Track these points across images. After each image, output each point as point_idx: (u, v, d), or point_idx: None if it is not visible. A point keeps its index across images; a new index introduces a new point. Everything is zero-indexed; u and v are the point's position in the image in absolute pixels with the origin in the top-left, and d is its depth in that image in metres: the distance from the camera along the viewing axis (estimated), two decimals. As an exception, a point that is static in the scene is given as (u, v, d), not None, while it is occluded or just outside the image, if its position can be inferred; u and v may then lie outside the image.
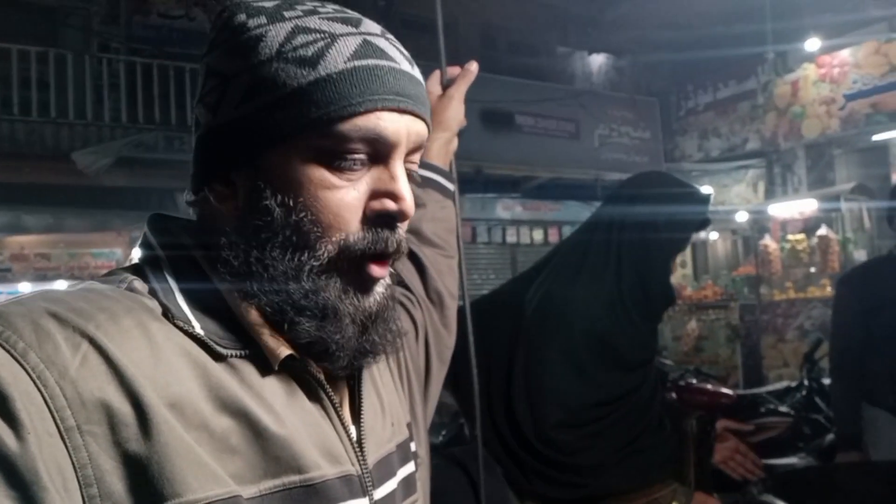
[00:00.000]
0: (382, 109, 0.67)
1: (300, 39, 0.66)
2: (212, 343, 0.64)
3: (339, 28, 0.68)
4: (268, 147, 0.67)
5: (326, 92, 0.65)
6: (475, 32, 10.83)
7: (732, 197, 11.17)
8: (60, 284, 7.79)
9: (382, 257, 0.70)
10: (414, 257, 1.08)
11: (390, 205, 0.69)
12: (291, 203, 0.66)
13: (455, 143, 1.21)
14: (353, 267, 0.69)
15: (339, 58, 0.66)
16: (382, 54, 0.68)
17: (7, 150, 7.45)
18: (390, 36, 0.73)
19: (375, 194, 0.69)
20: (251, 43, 0.67)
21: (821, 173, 9.81)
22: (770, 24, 8.75)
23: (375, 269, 0.70)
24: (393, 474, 0.78)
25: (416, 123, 0.71)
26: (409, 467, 0.83)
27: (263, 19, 0.68)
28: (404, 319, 0.99)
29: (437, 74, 1.20)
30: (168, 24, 9.26)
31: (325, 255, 0.67)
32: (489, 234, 10.03)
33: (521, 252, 10.13)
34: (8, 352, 0.54)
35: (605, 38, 11.31)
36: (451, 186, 1.18)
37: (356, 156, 0.67)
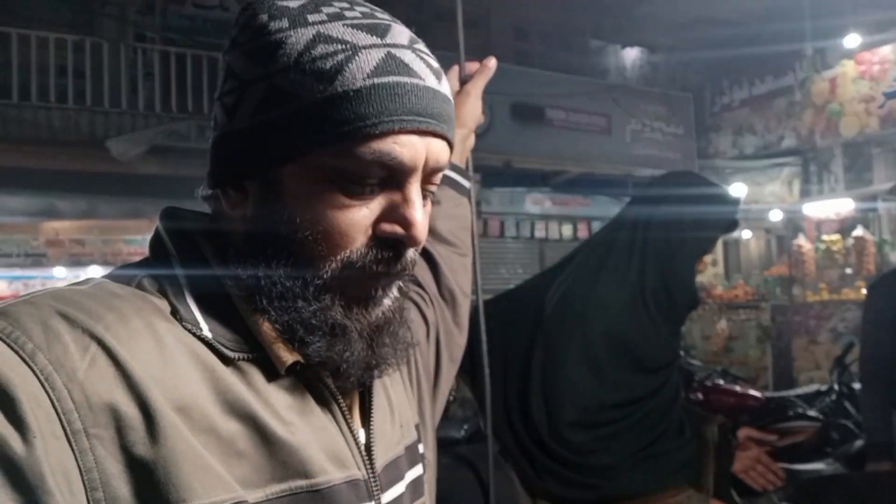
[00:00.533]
0: (400, 132, 0.64)
1: (320, 50, 0.63)
2: (220, 346, 0.64)
3: (362, 38, 0.64)
4: (279, 161, 0.65)
5: (342, 110, 0.62)
6: (507, 25, 10.77)
7: (766, 195, 10.98)
8: (94, 270, 7.94)
9: (386, 277, 0.69)
10: (427, 255, 1.07)
11: (399, 230, 0.67)
12: (299, 220, 0.65)
13: (472, 140, 1.19)
14: (356, 283, 0.68)
15: (358, 73, 0.63)
16: (406, 70, 0.65)
17: (43, 137, 7.59)
18: (420, 46, 0.70)
19: (386, 217, 0.67)
20: (270, 49, 0.64)
21: (858, 173, 9.59)
22: (809, 20, 8.56)
23: (382, 286, 0.69)
24: (401, 478, 0.78)
25: (438, 144, 0.68)
26: (417, 470, 0.83)
27: (286, 23, 0.65)
28: (416, 317, 0.99)
29: (455, 70, 1.19)
30: (202, 13, 9.35)
31: (329, 272, 0.66)
32: (517, 229, 9.98)
33: (549, 247, 10.07)
34: (17, 353, 0.54)
35: (639, 33, 11.17)
36: (466, 184, 1.17)
37: (370, 179, 0.65)
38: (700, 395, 4.81)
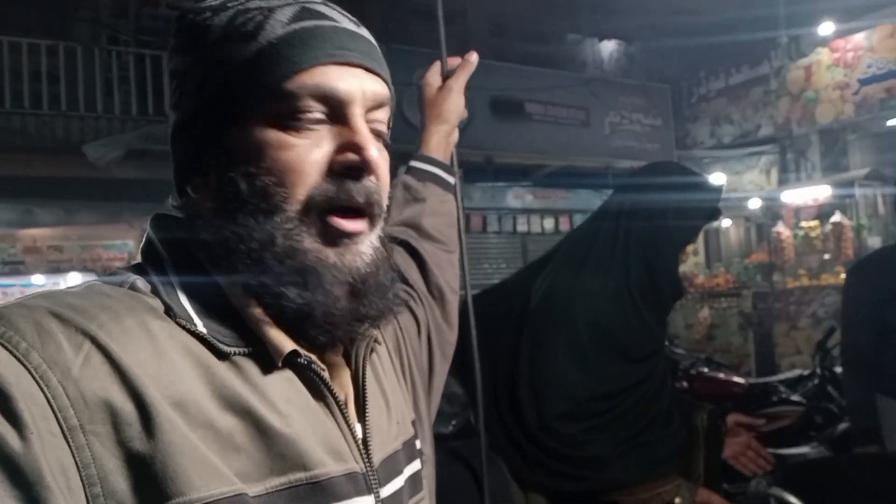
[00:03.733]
0: (326, 64, 0.68)
1: (241, 20, 0.68)
2: (215, 341, 0.64)
3: (275, 2, 0.70)
4: (228, 126, 0.68)
5: (270, 58, 0.67)
6: (484, 20, 10.76)
7: (745, 184, 11.07)
8: (73, 277, 7.86)
9: (350, 210, 0.69)
10: (414, 253, 1.07)
11: (352, 156, 0.69)
12: (255, 170, 0.67)
13: (456, 135, 1.20)
14: (321, 222, 0.68)
15: (276, 25, 0.68)
16: (321, 16, 0.70)
17: (18, 143, 7.50)
18: (332, 4, 0.75)
19: (338, 149, 0.69)
20: (197, 36, 0.70)
21: (835, 159, 9.70)
22: (783, 8, 8.63)
23: (343, 223, 0.69)
24: (399, 472, 0.78)
25: (371, 80, 0.71)
26: (415, 465, 0.83)
27: (208, 13, 0.70)
28: (406, 316, 0.99)
29: (437, 66, 1.19)
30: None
31: (294, 213, 0.67)
32: (500, 224, 10.00)
33: (531, 241, 10.09)
34: (10, 352, 0.55)
35: (615, 25, 11.20)
36: (451, 180, 1.17)
37: (310, 114, 0.68)
38: (685, 384, 4.85)
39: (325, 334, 0.69)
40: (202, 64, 0.69)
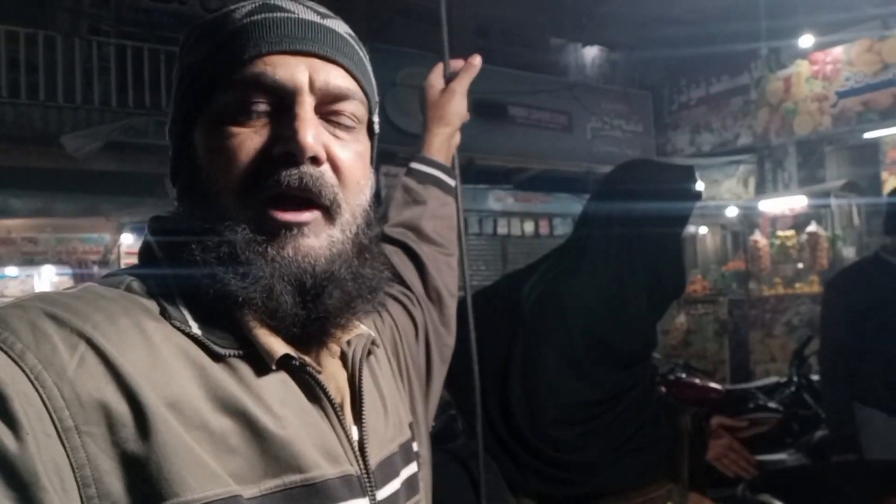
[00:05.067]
0: (270, 54, 0.68)
1: (209, 25, 0.72)
2: (209, 343, 0.64)
3: (243, 2, 0.72)
4: (191, 125, 0.70)
5: (222, 55, 0.69)
6: (468, 22, 10.77)
7: (723, 192, 11.19)
8: (47, 269, 7.75)
9: (288, 199, 0.67)
10: (413, 255, 1.07)
11: (283, 145, 0.66)
12: (204, 161, 0.69)
13: (458, 138, 1.20)
14: (261, 215, 0.67)
15: (231, 23, 0.70)
16: (276, 9, 0.70)
17: (-5, 132, 7.38)
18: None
19: (274, 137, 0.67)
20: (181, 44, 0.75)
21: (811, 170, 9.84)
22: (764, 20, 8.74)
23: (278, 213, 0.67)
24: (396, 475, 0.78)
25: (329, 69, 0.70)
26: (412, 468, 0.83)
27: (194, 28, 0.75)
28: (404, 319, 0.99)
29: (439, 68, 1.19)
30: (160, 7, 9.16)
31: (232, 205, 0.67)
32: (480, 226, 10.02)
33: (511, 244, 10.13)
34: (5, 353, 0.54)
35: (599, 31, 11.27)
36: (452, 183, 1.17)
37: (253, 106, 0.67)
38: (663, 389, 4.89)
39: (280, 331, 0.68)
40: (180, 69, 0.74)
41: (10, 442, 0.51)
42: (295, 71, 0.68)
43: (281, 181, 0.66)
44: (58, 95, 7.69)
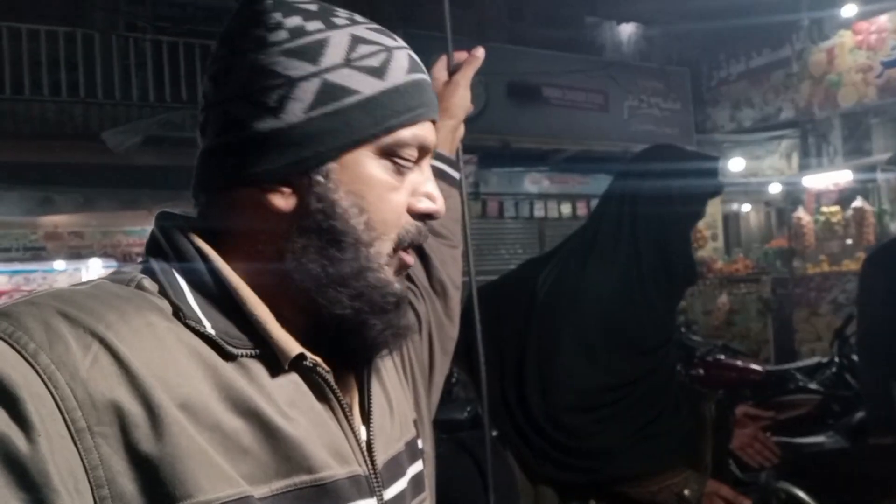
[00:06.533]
0: (426, 120, 0.74)
1: (363, 49, 0.71)
2: (222, 342, 0.64)
3: (387, 41, 0.73)
4: (343, 150, 0.69)
5: (395, 101, 0.71)
6: (501, 4, 10.69)
7: (765, 168, 10.94)
8: (94, 262, 7.94)
9: (418, 248, 0.78)
10: (418, 248, 1.07)
11: (430, 205, 0.75)
12: (362, 203, 0.70)
13: (461, 130, 1.19)
14: (398, 257, 0.74)
15: (399, 71, 0.72)
16: (421, 69, 0.76)
17: (38, 130, 7.57)
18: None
19: (416, 194, 0.74)
20: (316, 47, 0.69)
21: (857, 143, 9.56)
22: (805, -10, 8.50)
23: (409, 259, 0.75)
24: (403, 474, 0.78)
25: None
26: (418, 466, 0.83)
27: (321, 24, 0.70)
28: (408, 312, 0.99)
29: (443, 60, 1.18)
30: (194, 1, 9.28)
31: (387, 249, 0.72)
32: (517, 209, 9.97)
33: (548, 226, 10.05)
34: (19, 353, 0.54)
35: (634, 7, 11.08)
36: (457, 175, 1.17)
37: (410, 162, 0.73)
38: (701, 371, 4.83)
39: (361, 354, 0.75)
40: (321, 78, 0.68)
41: (22, 444, 0.52)
42: (431, 135, 0.76)
43: (425, 237, 0.76)
44: (97, 92, 7.85)
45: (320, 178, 0.68)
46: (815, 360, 5.05)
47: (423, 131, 0.74)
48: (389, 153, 0.71)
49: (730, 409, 1.76)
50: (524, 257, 9.22)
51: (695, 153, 1.74)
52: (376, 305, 0.71)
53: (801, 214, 9.02)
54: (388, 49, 0.72)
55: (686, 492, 1.53)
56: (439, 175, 1.14)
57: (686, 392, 1.74)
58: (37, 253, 8.41)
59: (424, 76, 0.76)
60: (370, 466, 0.72)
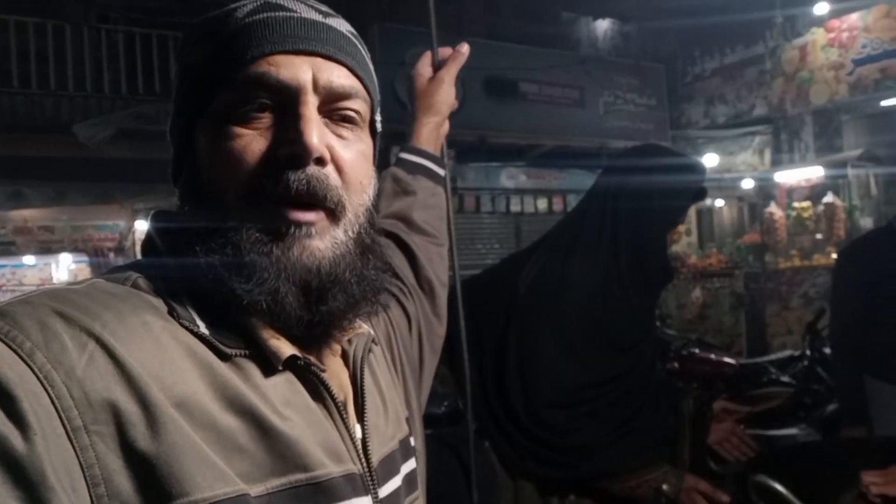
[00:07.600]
0: (273, 54, 0.67)
1: (209, 23, 0.72)
2: (216, 342, 0.64)
3: (244, 1, 0.72)
4: (193, 125, 0.70)
5: (224, 55, 0.68)
6: (478, -1, 10.68)
7: (738, 164, 11.06)
8: (64, 257, 7.83)
9: (295, 201, 0.67)
10: (404, 246, 1.07)
11: (291, 145, 0.67)
12: (208, 162, 0.68)
13: (446, 127, 1.19)
14: (266, 215, 0.67)
15: (233, 22, 0.69)
16: (278, 7, 0.70)
17: (7, 123, 7.44)
18: None
19: (279, 139, 0.67)
20: (188, 44, 0.73)
21: (828, 140, 9.69)
22: (778, -13, 8.59)
23: (286, 212, 0.67)
24: (397, 472, 0.79)
25: (333, 69, 0.70)
26: (411, 463, 0.84)
27: (202, 28, 0.73)
28: (397, 311, 0.99)
29: (427, 56, 1.18)
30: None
31: (237, 205, 0.67)
32: (493, 204, 9.98)
33: (525, 221, 10.08)
34: (14, 351, 0.54)
35: (610, 4, 11.12)
36: (441, 172, 1.17)
37: (256, 105, 0.67)
38: (676, 364, 4.88)
39: (282, 332, 0.68)
40: (180, 68, 0.73)
41: (17, 442, 0.51)
42: (298, 70, 0.68)
43: (290, 185, 0.66)
44: (68, 84, 7.74)
45: (187, 155, 0.72)
46: (787, 353, 5.13)
47: (263, 67, 0.67)
48: (230, 106, 0.68)
49: (707, 404, 1.78)
50: (501, 252, 9.26)
51: (680, 155, 1.75)
52: (235, 271, 0.66)
53: (773, 210, 9.15)
54: (233, 8, 0.71)
55: (665, 487, 1.55)
56: (424, 172, 1.14)
57: (665, 388, 1.76)
58: (6, 248, 8.27)
59: (275, 13, 0.69)
60: (365, 465, 0.72)
